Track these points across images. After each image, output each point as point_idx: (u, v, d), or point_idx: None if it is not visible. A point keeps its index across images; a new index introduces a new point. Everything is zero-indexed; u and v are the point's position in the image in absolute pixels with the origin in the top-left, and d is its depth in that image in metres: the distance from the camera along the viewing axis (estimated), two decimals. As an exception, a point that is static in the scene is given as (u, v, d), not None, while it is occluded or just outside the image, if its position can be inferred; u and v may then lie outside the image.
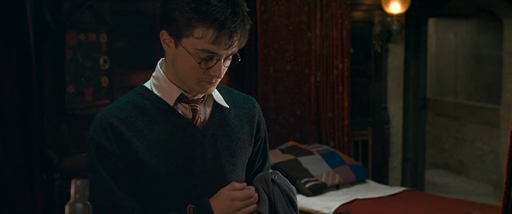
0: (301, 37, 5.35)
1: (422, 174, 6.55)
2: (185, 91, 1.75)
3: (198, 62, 1.66)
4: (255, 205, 1.76)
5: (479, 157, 7.50)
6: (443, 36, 8.74)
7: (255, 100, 1.95)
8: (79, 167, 3.79)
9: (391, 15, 5.67)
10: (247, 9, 1.68)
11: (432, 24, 8.36)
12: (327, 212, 4.36)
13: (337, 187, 4.83)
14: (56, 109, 3.92)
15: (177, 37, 1.66)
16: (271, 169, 1.98)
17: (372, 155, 5.88)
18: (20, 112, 3.61)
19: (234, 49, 1.68)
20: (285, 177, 1.89)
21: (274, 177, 1.81)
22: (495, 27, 7.33)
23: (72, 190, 1.22)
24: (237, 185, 1.76)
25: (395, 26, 5.71)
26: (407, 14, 5.81)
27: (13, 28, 3.58)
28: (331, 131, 5.53)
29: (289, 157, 4.87)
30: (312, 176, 4.71)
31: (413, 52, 6.25)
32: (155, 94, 1.76)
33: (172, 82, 1.75)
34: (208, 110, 1.80)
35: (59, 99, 3.92)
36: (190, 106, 1.76)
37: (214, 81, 1.72)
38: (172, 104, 1.75)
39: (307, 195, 4.59)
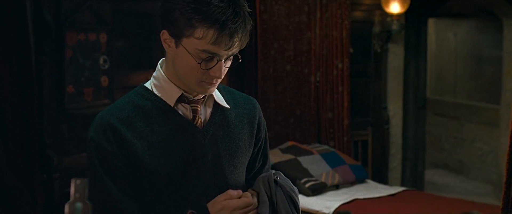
0: (301, 37, 5.35)
1: (421, 174, 6.55)
2: (185, 92, 1.74)
3: (199, 63, 1.65)
4: (255, 211, 1.75)
5: (478, 157, 7.50)
6: (443, 36, 8.74)
7: (255, 100, 1.94)
8: (79, 167, 3.79)
9: (391, 15, 5.67)
10: (249, 10, 1.67)
11: (432, 24, 8.36)
12: (327, 212, 4.36)
13: (337, 187, 4.83)
14: (56, 108, 3.92)
15: (177, 37, 1.66)
16: (271, 169, 1.98)
17: (372, 155, 5.88)
18: (20, 111, 3.61)
19: (235, 50, 1.67)
20: (285, 177, 1.89)
21: (277, 177, 1.81)
22: (495, 27, 7.32)
23: (72, 189, 1.22)
24: (233, 193, 1.74)
25: (395, 26, 5.70)
26: (407, 14, 5.81)
27: (13, 28, 3.58)
28: (331, 130, 5.53)
29: (289, 156, 4.88)
30: (312, 176, 4.71)
31: (413, 52, 6.25)
32: (156, 95, 1.75)
33: (172, 82, 1.74)
34: (209, 110, 1.80)
35: (59, 99, 3.92)
36: (191, 106, 1.76)
37: (214, 82, 1.71)
38: (172, 105, 1.74)
39: (307, 195, 4.59)
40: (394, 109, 6.10)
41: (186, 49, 1.65)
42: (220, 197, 1.73)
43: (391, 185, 5.70)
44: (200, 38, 1.62)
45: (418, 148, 6.43)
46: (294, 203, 1.82)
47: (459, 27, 8.44)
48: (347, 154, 5.48)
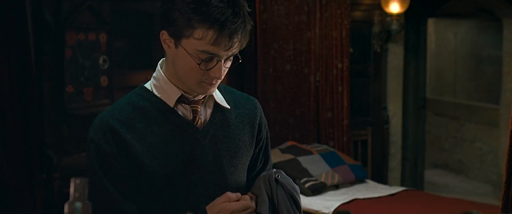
0: (300, 37, 5.35)
1: (421, 174, 6.55)
2: (185, 92, 1.73)
3: (198, 64, 1.64)
4: (252, 212, 1.74)
5: (478, 156, 7.50)
6: (443, 36, 8.74)
7: (256, 100, 1.92)
8: (78, 167, 3.79)
9: (391, 15, 5.67)
10: (249, 10, 1.66)
11: (431, 24, 8.36)
12: (326, 212, 4.36)
13: (336, 186, 4.83)
14: (56, 108, 3.92)
15: (177, 37, 1.65)
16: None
17: (372, 154, 5.88)
18: (19, 111, 3.61)
19: (235, 50, 1.66)
20: (286, 175, 1.88)
21: (278, 176, 1.79)
22: (494, 27, 7.33)
23: (72, 189, 1.22)
24: (231, 195, 1.72)
25: (394, 26, 5.70)
26: (406, 14, 5.81)
27: (12, 28, 3.58)
28: (331, 130, 5.53)
29: (288, 156, 4.88)
30: (311, 176, 4.71)
31: (413, 52, 6.25)
32: (155, 95, 1.74)
33: (172, 83, 1.73)
34: (209, 111, 1.79)
35: (59, 99, 3.92)
36: (191, 107, 1.75)
37: (214, 82, 1.70)
38: (172, 106, 1.73)
39: (307, 194, 4.59)
40: (394, 109, 6.10)
41: (185, 50, 1.64)
42: (219, 200, 1.72)
43: (390, 185, 5.70)
44: (200, 39, 1.61)
45: (417, 148, 6.43)
46: (296, 202, 1.81)
47: (459, 27, 8.44)
48: (346, 154, 5.48)
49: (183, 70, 1.68)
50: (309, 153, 4.98)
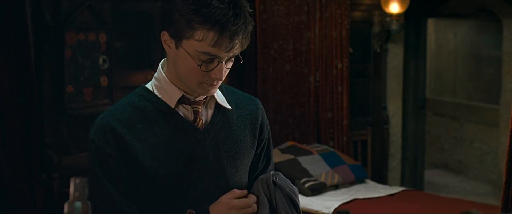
0: (300, 37, 5.35)
1: (421, 174, 6.55)
2: (186, 93, 1.73)
3: (199, 65, 1.63)
4: (253, 212, 1.74)
5: (478, 157, 7.50)
6: (443, 36, 8.74)
7: (258, 101, 1.91)
8: (78, 167, 3.79)
9: (390, 15, 5.67)
10: (250, 10, 1.65)
11: (431, 24, 8.35)
12: (326, 212, 4.36)
13: (336, 186, 4.83)
14: (56, 108, 3.92)
15: (177, 38, 1.64)
16: (271, 168, 1.97)
17: (372, 154, 5.88)
18: (19, 111, 3.61)
19: (236, 51, 1.65)
20: (284, 177, 1.87)
21: (276, 179, 1.78)
22: (494, 27, 7.32)
23: (71, 188, 1.22)
24: (237, 192, 1.74)
25: (394, 26, 5.70)
26: (406, 14, 5.81)
27: (12, 28, 3.58)
28: (330, 130, 5.53)
29: (288, 156, 4.88)
30: (311, 176, 4.71)
31: (413, 52, 6.25)
32: (156, 96, 1.73)
33: (173, 83, 1.73)
34: (210, 112, 1.78)
35: (59, 99, 3.92)
36: (192, 108, 1.74)
37: (215, 84, 1.69)
38: (173, 106, 1.72)
39: (307, 195, 4.59)
40: (394, 109, 6.10)
41: (186, 51, 1.63)
42: (224, 196, 1.73)
43: (390, 185, 5.70)
44: (200, 40, 1.60)
45: (417, 148, 6.43)
46: (294, 204, 1.80)
47: (459, 27, 8.44)
48: (346, 154, 5.48)
49: (184, 71, 1.67)
50: (309, 153, 4.98)
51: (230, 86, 1.91)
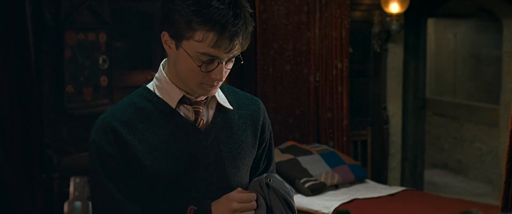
0: (300, 37, 5.35)
1: (421, 174, 6.55)
2: (187, 93, 1.72)
3: (199, 66, 1.63)
4: (252, 212, 1.73)
5: (478, 157, 7.50)
6: (442, 36, 8.74)
7: (260, 101, 1.91)
8: (78, 167, 3.79)
9: (390, 15, 5.67)
10: (251, 11, 1.64)
11: (431, 24, 8.35)
12: (326, 211, 4.36)
13: (336, 186, 4.83)
14: (55, 108, 3.92)
15: (177, 39, 1.63)
16: (271, 168, 1.96)
17: (371, 154, 5.88)
18: (19, 111, 3.62)
19: (236, 52, 1.65)
20: (284, 176, 1.86)
21: (269, 180, 1.77)
22: (494, 27, 7.32)
23: (71, 188, 1.22)
24: (239, 189, 1.74)
25: (394, 26, 5.70)
26: (406, 14, 5.81)
27: (12, 28, 3.58)
28: (330, 130, 5.53)
29: (288, 156, 4.88)
30: (311, 176, 4.71)
31: (412, 52, 6.25)
32: (157, 96, 1.73)
33: (174, 84, 1.72)
34: (211, 112, 1.77)
35: (58, 98, 3.92)
36: (193, 108, 1.74)
37: (215, 84, 1.69)
38: (174, 107, 1.72)
39: (306, 194, 4.58)
40: (394, 109, 6.10)
41: (186, 52, 1.63)
42: (228, 194, 1.73)
43: (390, 185, 5.70)
44: (200, 41, 1.59)
45: (417, 148, 6.43)
46: (289, 205, 1.79)
47: (459, 27, 8.44)
48: (346, 154, 5.48)
49: (184, 71, 1.67)
50: (309, 153, 4.98)
51: (231, 86, 1.90)
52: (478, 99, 7.96)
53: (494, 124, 6.96)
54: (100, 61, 4.11)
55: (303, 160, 4.86)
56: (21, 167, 3.63)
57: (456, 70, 8.59)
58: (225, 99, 1.81)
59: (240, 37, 1.62)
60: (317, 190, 4.65)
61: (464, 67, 8.47)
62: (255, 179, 1.81)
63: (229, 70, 1.70)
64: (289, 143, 5.15)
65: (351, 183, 4.95)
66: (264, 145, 1.90)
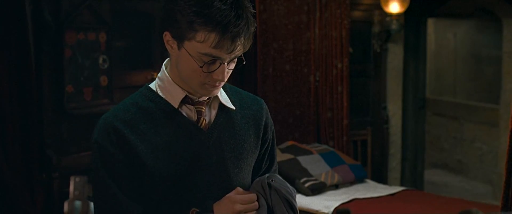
0: (300, 37, 5.35)
1: (421, 174, 6.55)
2: (190, 93, 1.72)
3: (200, 66, 1.63)
4: (255, 212, 1.73)
5: (478, 156, 7.50)
6: (443, 36, 8.74)
7: (262, 101, 1.90)
8: (78, 167, 3.79)
9: (390, 15, 5.67)
10: (253, 11, 1.64)
11: (431, 24, 8.35)
12: (326, 211, 4.36)
13: (336, 186, 4.83)
14: (55, 108, 3.92)
15: (179, 39, 1.63)
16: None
17: (371, 154, 5.88)
18: (19, 111, 3.61)
19: (238, 53, 1.64)
20: (284, 176, 1.86)
21: (271, 180, 1.77)
22: (494, 27, 7.33)
23: (71, 187, 1.22)
24: (240, 190, 1.74)
25: (394, 26, 5.70)
26: (406, 14, 5.81)
27: (12, 28, 3.58)
28: (330, 130, 5.53)
29: (288, 156, 4.88)
30: (311, 176, 4.72)
31: (413, 52, 6.25)
32: (160, 96, 1.73)
33: (176, 84, 1.72)
34: (214, 112, 1.77)
35: (58, 98, 3.92)
36: (195, 108, 1.73)
37: (217, 84, 1.69)
38: (176, 107, 1.72)
39: (306, 194, 4.59)
40: (394, 109, 6.10)
41: (188, 52, 1.62)
42: (229, 194, 1.73)
43: (390, 184, 5.71)
44: (202, 42, 1.59)
45: (417, 148, 6.43)
46: (291, 206, 1.79)
47: (459, 27, 8.44)
48: (346, 154, 5.48)
49: (186, 72, 1.67)
50: (309, 152, 4.98)
51: (234, 86, 1.90)
52: (478, 99, 7.96)
53: (494, 124, 6.96)
54: (100, 61, 4.10)
55: (303, 160, 4.86)
56: (21, 167, 3.63)
57: (456, 70, 8.59)
58: (228, 99, 1.80)
59: (242, 38, 1.61)
60: (317, 189, 4.65)
61: (464, 67, 8.47)
62: (257, 179, 1.81)
63: (231, 71, 1.70)
64: (289, 143, 5.15)
65: (351, 183, 4.95)
66: (266, 145, 1.90)
